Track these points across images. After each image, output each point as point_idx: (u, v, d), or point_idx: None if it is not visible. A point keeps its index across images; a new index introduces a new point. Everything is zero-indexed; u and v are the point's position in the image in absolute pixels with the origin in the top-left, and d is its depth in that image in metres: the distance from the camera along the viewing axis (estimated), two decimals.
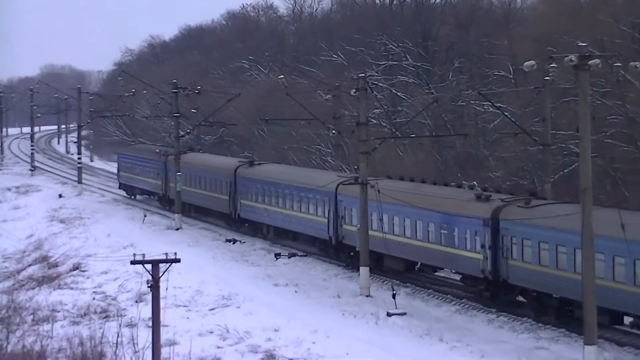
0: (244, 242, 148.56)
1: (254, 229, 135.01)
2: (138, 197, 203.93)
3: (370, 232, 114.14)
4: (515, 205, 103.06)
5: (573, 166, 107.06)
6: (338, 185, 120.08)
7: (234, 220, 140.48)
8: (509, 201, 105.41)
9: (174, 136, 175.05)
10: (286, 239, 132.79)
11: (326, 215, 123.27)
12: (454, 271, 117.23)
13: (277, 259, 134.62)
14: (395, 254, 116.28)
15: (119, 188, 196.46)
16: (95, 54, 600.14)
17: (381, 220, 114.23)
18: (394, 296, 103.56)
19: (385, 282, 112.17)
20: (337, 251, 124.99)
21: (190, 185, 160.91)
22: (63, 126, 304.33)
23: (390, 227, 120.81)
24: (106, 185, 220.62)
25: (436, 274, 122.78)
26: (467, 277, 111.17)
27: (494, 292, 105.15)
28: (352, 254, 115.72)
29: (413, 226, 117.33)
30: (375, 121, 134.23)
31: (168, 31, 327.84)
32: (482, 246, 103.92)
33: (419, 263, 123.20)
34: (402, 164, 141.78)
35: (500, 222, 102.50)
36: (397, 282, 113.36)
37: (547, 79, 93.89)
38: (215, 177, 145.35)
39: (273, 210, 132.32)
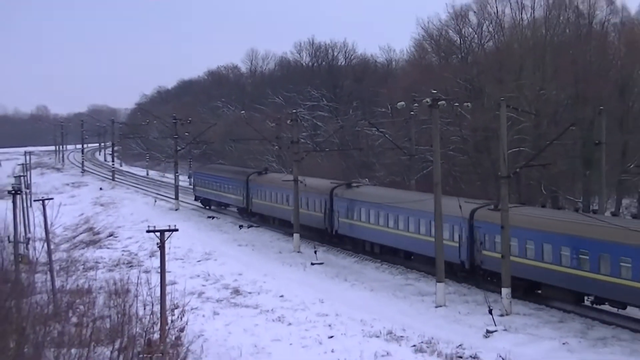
0: (219, 219, 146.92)
1: (353, 244, 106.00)
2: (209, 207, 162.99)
3: None
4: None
5: (428, 169, 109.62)
6: (474, 210, 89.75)
7: (329, 235, 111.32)
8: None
9: (174, 150, 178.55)
10: (386, 255, 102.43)
11: (457, 239, 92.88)
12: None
13: (240, 228, 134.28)
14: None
15: (195, 200, 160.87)
16: (124, 96, 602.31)
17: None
18: (315, 252, 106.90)
19: (310, 243, 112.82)
20: (470, 274, 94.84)
21: (272, 201, 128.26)
22: (102, 144, 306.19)
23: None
24: (130, 182, 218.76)
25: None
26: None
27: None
28: (489, 278, 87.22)
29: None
30: (303, 140, 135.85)
31: (170, 82, 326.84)
32: None
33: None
34: (320, 168, 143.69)
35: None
36: (317, 243, 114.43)
37: (412, 113, 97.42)
38: (307, 196, 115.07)
39: (381, 230, 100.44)
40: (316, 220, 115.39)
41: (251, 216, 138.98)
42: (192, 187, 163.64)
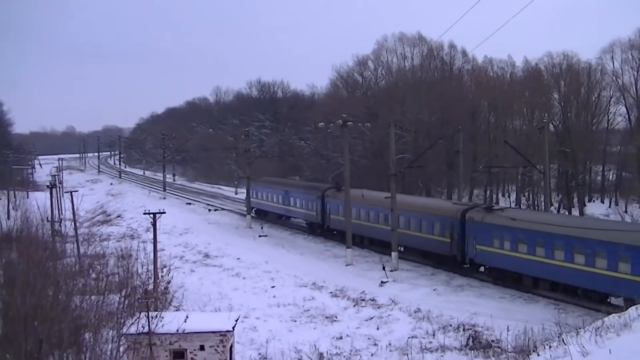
0: (194, 205, 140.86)
1: (491, 274, 67.54)
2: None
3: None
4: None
5: (340, 170, 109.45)
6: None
7: (458, 263, 71.91)
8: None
9: (162, 156, 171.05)
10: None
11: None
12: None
13: (209, 211, 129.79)
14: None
15: (250, 211, 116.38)
16: (128, 118, 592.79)
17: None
18: (262, 227, 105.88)
19: (258, 222, 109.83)
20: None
21: (361, 219, 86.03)
22: (112, 152, 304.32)
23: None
24: (132, 179, 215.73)
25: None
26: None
27: None
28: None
29: None
30: (252, 149, 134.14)
31: (160, 108, 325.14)
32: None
33: None
34: (265, 169, 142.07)
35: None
36: (264, 221, 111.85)
37: (329, 131, 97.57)
38: (418, 218, 76.02)
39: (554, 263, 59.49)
40: (434, 244, 74.28)
41: (328, 232, 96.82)
42: (246, 198, 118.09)
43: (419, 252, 77.98)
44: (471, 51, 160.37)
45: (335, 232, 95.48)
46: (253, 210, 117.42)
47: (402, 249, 79.03)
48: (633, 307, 23.17)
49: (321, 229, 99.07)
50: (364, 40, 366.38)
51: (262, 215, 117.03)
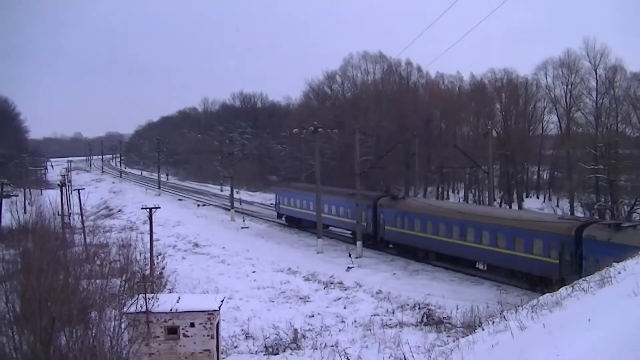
0: (185, 201, 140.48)
1: None
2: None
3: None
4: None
5: (312, 170, 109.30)
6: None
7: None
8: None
9: (157, 159, 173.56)
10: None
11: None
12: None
13: (198, 206, 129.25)
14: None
15: (278, 217, 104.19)
16: (127, 125, 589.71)
17: None
18: (244, 220, 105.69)
19: (241, 215, 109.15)
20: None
21: (430, 234, 68.17)
22: (114, 155, 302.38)
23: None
24: (131, 179, 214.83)
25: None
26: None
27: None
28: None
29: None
30: (236, 153, 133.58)
31: (155, 117, 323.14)
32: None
33: None
34: (247, 170, 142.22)
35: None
36: (246, 215, 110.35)
37: (302, 136, 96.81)
38: (516, 234, 55.90)
39: None
40: (534, 265, 54.97)
41: (381, 244, 78.58)
42: (275, 205, 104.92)
43: (508, 271, 59.59)
44: (425, 67, 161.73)
45: (390, 244, 77.89)
46: (283, 218, 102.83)
47: (484, 266, 64.52)
48: (563, 288, 23.47)
49: (373, 241, 79.90)
50: (332, 57, 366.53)
51: (295, 223, 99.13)
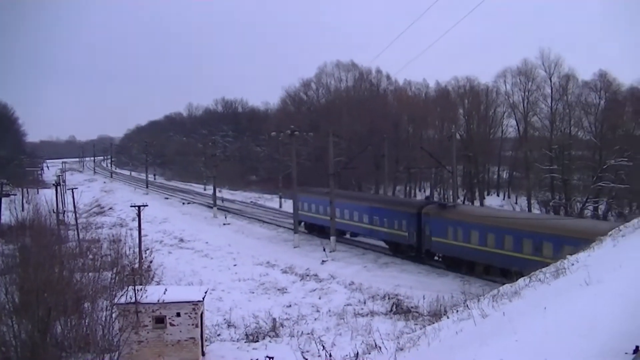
0: (170, 199, 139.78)
1: None
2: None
3: None
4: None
5: (289, 170, 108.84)
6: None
7: None
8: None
9: (145, 160, 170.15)
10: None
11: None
12: None
13: (183, 204, 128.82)
14: None
15: (299, 224, 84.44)
16: (117, 129, 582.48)
17: None
18: (225, 217, 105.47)
19: (224, 214, 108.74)
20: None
21: (494, 247, 55.18)
22: (105, 157, 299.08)
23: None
24: (120, 179, 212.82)
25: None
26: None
27: None
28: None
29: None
30: (218, 154, 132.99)
31: (143, 121, 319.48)
32: None
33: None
34: (229, 170, 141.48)
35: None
36: (227, 212, 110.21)
37: (280, 139, 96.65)
38: None
39: None
40: None
41: (427, 257, 66.72)
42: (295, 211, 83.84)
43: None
44: (394, 75, 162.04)
45: (438, 257, 66.36)
46: (302, 224, 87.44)
47: None
48: (522, 278, 23.66)
49: (417, 253, 68.43)
50: (307, 66, 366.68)
51: (316, 231, 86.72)
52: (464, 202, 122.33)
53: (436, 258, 66.69)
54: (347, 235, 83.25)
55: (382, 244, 75.53)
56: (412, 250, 68.92)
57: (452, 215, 63.98)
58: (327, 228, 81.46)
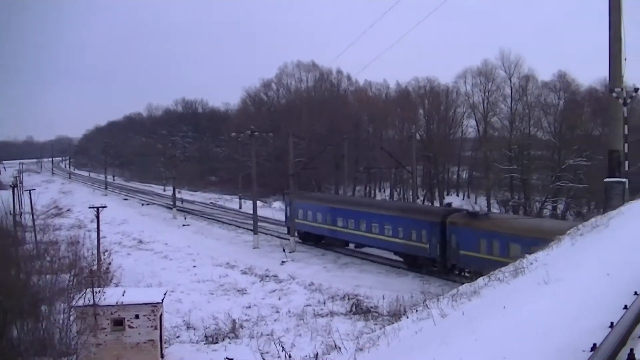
0: (129, 200, 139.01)
1: None
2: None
3: None
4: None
5: (249, 171, 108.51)
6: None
7: None
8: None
9: (104, 161, 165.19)
10: None
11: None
12: None
13: (142, 205, 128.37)
14: None
15: (288, 233, 77.75)
16: (76, 129, 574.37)
17: None
18: (185, 218, 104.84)
19: (183, 215, 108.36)
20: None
21: None
22: (64, 158, 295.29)
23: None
24: (79, 180, 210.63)
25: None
26: None
27: None
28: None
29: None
30: (178, 155, 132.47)
31: (102, 121, 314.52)
32: None
33: None
34: (188, 171, 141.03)
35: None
36: (187, 213, 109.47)
37: (239, 140, 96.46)
38: None
39: None
40: None
41: (453, 273, 56.38)
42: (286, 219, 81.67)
43: None
44: (354, 76, 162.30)
45: (466, 273, 50.97)
46: (296, 233, 78.48)
47: None
48: (481, 278, 23.76)
49: (442, 267, 58.70)
50: (268, 66, 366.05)
51: (313, 241, 78.02)
52: (432, 204, 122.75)
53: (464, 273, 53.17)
54: (351, 246, 74.13)
55: (390, 254, 67.04)
56: (434, 264, 59.80)
57: (485, 225, 55.08)
58: (327, 238, 75.95)
